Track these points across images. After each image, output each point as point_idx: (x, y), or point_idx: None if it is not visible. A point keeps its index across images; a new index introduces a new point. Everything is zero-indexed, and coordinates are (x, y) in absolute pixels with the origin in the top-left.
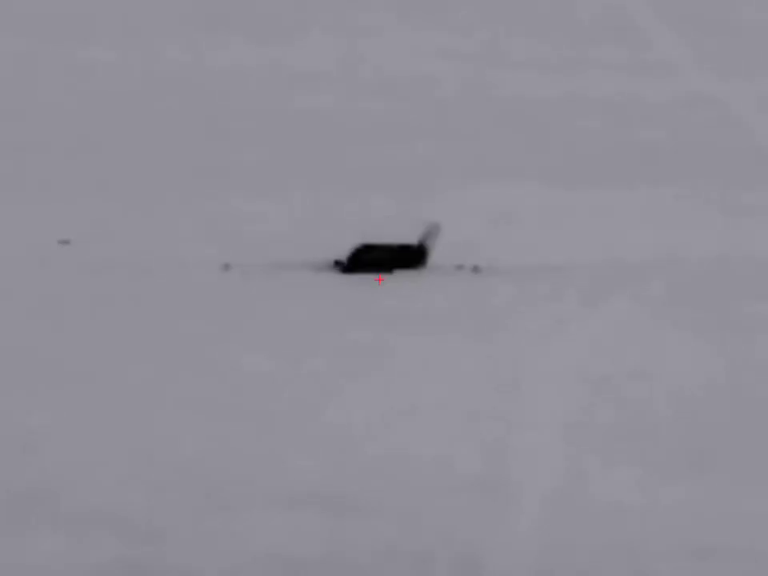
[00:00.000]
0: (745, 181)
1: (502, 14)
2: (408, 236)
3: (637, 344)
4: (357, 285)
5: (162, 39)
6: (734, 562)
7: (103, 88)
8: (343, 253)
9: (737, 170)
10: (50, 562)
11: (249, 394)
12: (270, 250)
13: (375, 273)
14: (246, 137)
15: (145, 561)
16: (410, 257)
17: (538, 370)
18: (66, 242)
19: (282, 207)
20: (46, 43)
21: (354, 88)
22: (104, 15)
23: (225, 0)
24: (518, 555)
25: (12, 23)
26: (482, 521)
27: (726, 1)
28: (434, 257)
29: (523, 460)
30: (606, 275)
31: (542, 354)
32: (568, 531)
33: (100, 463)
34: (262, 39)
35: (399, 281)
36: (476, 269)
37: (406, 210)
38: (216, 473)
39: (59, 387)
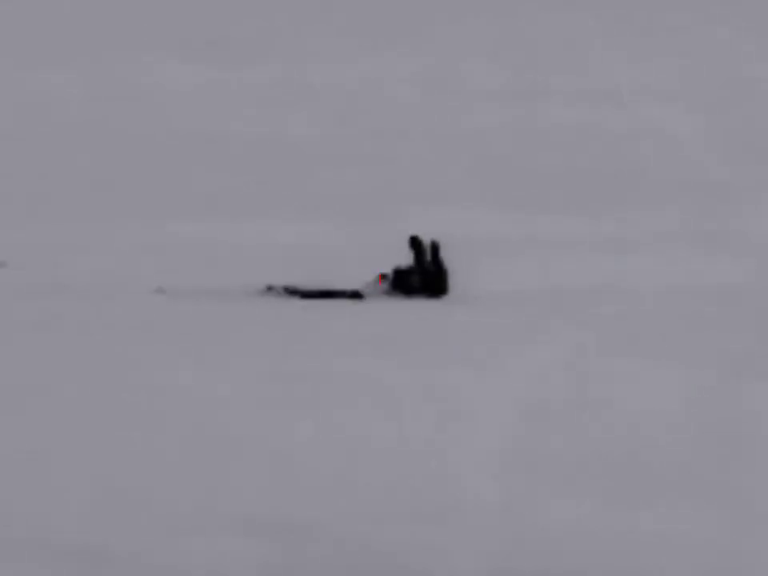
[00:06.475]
0: (692, 211)
1: (460, 43)
2: (363, 262)
3: (582, 371)
4: (296, 311)
5: (112, 62)
6: None
7: (48, 110)
8: (279, 279)
9: (685, 200)
10: None
11: (201, 421)
12: (210, 274)
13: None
14: (196, 160)
15: None
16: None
17: (483, 398)
18: (2, 265)
19: (227, 231)
20: None
21: (310, 113)
22: (54, 38)
23: (181, 23)
24: None
25: None
26: (428, 549)
27: (679, 31)
28: (368, 283)
29: (466, 489)
30: (553, 302)
31: (486, 382)
32: (511, 559)
33: (45, 490)
34: (220, 63)
35: (340, 308)
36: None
37: (357, 236)
38: (168, 499)
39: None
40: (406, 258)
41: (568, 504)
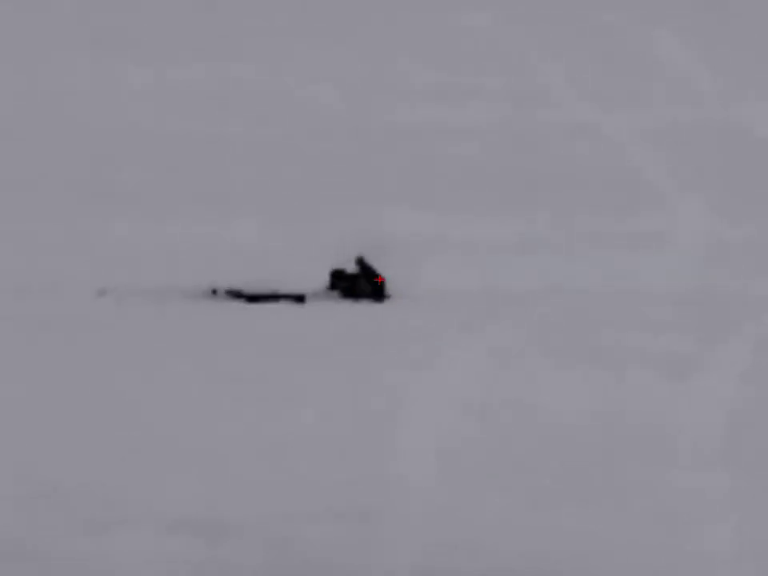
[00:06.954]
0: (625, 211)
1: (388, 42)
2: (307, 263)
3: (513, 372)
4: (232, 312)
5: (44, 61)
6: None
7: None
8: (219, 281)
9: (618, 200)
10: None
11: (126, 417)
12: (147, 275)
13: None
14: (134, 160)
15: None
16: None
17: (417, 399)
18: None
19: (163, 232)
20: None
21: (233, 112)
22: None
23: (112, 22)
24: None
25: None
26: (355, 549)
27: (607, 32)
28: (310, 285)
29: (397, 488)
30: (492, 303)
31: (422, 383)
32: (442, 559)
33: None
34: (145, 61)
35: (276, 309)
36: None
37: (298, 237)
38: (90, 496)
39: None
40: (345, 262)
41: (495, 503)
